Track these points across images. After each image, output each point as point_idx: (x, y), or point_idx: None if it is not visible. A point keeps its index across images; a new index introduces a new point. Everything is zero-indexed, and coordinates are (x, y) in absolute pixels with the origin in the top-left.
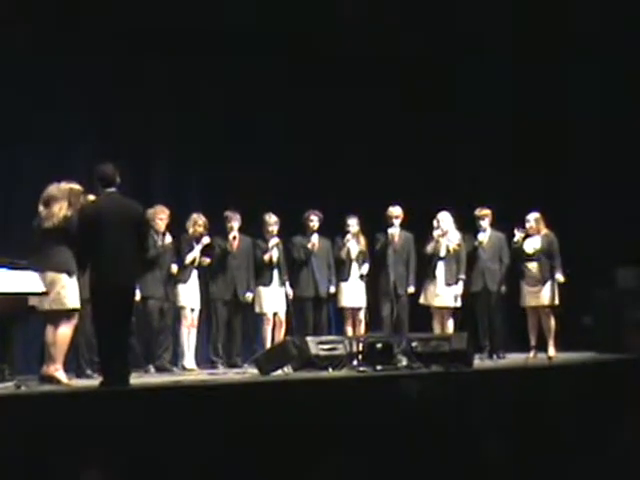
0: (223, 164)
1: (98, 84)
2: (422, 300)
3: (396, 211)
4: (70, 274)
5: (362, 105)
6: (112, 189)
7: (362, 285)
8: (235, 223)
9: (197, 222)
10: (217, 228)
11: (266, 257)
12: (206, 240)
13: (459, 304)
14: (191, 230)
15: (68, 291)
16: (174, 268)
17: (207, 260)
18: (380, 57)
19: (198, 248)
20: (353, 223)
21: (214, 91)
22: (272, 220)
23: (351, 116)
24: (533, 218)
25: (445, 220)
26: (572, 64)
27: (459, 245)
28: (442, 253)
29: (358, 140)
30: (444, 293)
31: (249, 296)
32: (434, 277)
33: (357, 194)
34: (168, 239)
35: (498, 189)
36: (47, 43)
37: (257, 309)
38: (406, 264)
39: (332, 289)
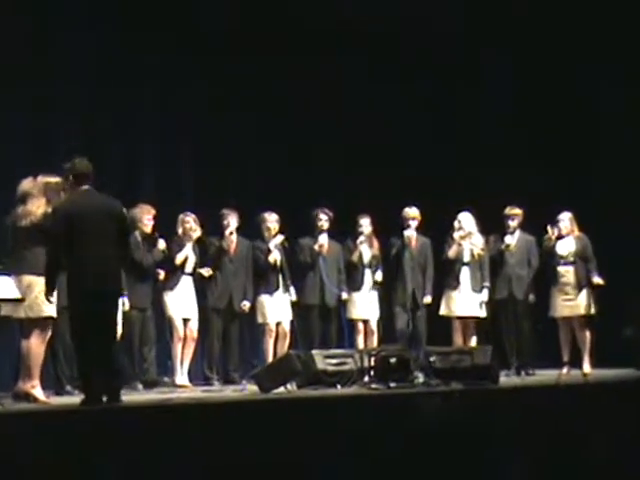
0: (217, 160)
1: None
2: (444, 311)
3: (413, 212)
4: None
5: (375, 97)
6: (88, 186)
7: (375, 294)
8: (232, 220)
9: (185, 220)
10: (211, 231)
11: (270, 258)
12: (196, 234)
13: (484, 314)
14: (180, 230)
15: (45, 297)
16: (161, 274)
17: (208, 271)
18: (394, 51)
19: (188, 247)
20: (366, 223)
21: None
22: (272, 218)
23: (360, 107)
24: (567, 217)
25: (467, 221)
26: (600, 64)
27: (483, 250)
28: (466, 258)
29: (368, 134)
30: (470, 302)
31: (246, 305)
32: (457, 284)
33: (368, 193)
34: (162, 244)
35: (524, 188)
36: (30, 36)
37: (259, 319)
38: (423, 271)
39: (344, 295)
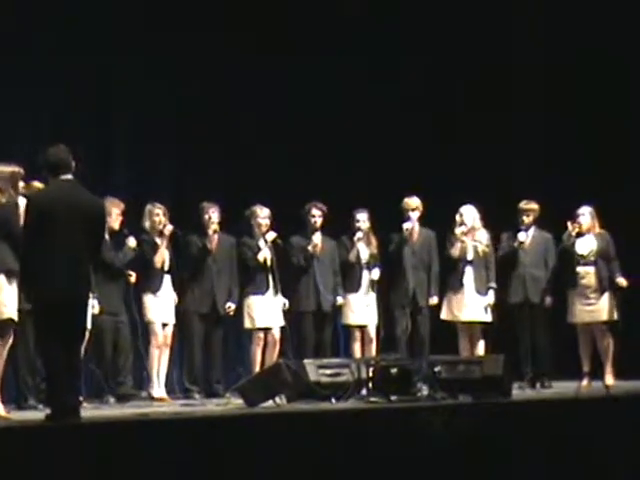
0: (199, 148)
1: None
2: (445, 315)
3: (414, 202)
4: (9, 276)
5: (373, 87)
6: (67, 176)
7: (373, 297)
8: (214, 215)
9: (153, 213)
10: (189, 226)
11: (260, 256)
12: (169, 229)
13: (489, 318)
14: (148, 224)
15: (6, 297)
16: (132, 275)
17: (170, 228)
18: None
19: (163, 244)
20: (363, 218)
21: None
22: (263, 213)
23: (357, 93)
24: (588, 212)
25: (469, 215)
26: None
27: (488, 246)
28: (470, 256)
29: (365, 123)
30: (474, 304)
31: (231, 307)
32: (461, 285)
33: (366, 185)
34: (132, 242)
35: (539, 179)
36: None
37: (247, 323)
38: (427, 268)
39: (339, 300)
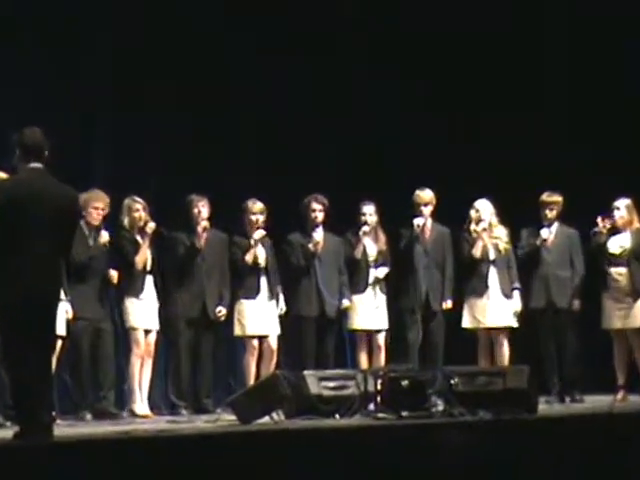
0: (187, 137)
1: None
2: (468, 323)
3: (426, 196)
4: None
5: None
6: (38, 164)
7: (383, 299)
8: (204, 210)
9: (132, 208)
10: (176, 222)
11: (248, 256)
12: (151, 226)
13: (515, 324)
14: (127, 221)
15: None
16: (114, 276)
17: (152, 226)
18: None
19: (145, 243)
20: (370, 211)
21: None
22: (257, 208)
23: (363, 76)
24: (624, 205)
25: (486, 210)
26: None
27: (508, 243)
28: (492, 255)
29: (370, 107)
30: (501, 309)
31: (221, 311)
32: (486, 289)
33: (373, 176)
34: (104, 236)
35: (560, 168)
36: None
37: (237, 331)
38: (441, 269)
39: (345, 302)
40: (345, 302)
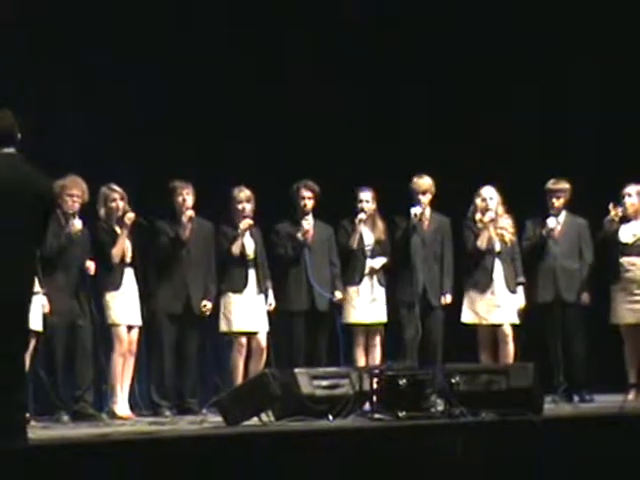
0: (166, 118)
1: None
2: (468, 318)
3: (424, 183)
4: None
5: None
6: (10, 149)
7: (381, 292)
8: (189, 197)
9: (109, 197)
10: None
11: (234, 247)
12: (130, 217)
13: (518, 320)
14: (103, 211)
15: None
16: (89, 267)
17: (131, 216)
18: None
19: (124, 234)
20: (367, 198)
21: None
22: (244, 195)
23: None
24: (635, 192)
25: (493, 199)
26: None
27: (514, 234)
28: (497, 247)
29: (366, 86)
30: (506, 304)
31: (207, 306)
32: (490, 282)
33: (370, 160)
34: (77, 224)
35: (568, 152)
36: None
37: (222, 326)
38: (440, 261)
39: (338, 295)
40: (337, 294)
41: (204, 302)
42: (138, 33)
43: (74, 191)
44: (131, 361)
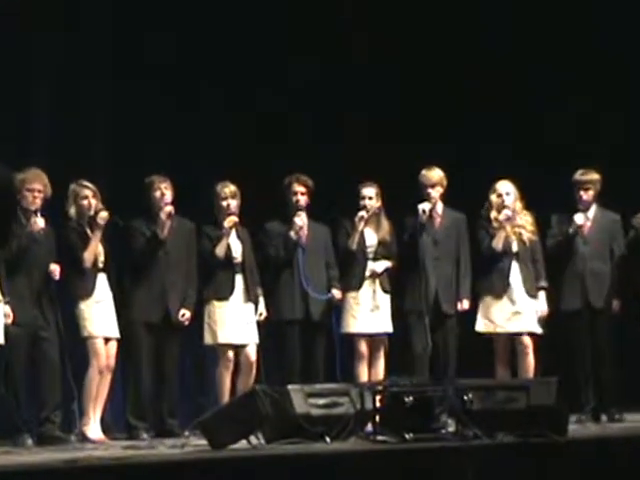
0: (140, 107)
1: None
2: (483, 326)
3: (434, 175)
4: None
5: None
6: None
7: (385, 299)
8: (168, 193)
9: (80, 194)
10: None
11: (219, 249)
12: (103, 216)
13: (540, 329)
14: (73, 210)
15: None
16: (56, 271)
17: (104, 215)
18: None
19: (96, 236)
20: (371, 194)
21: None
22: (228, 191)
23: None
24: None
25: (510, 194)
26: None
27: (534, 233)
28: (515, 247)
29: (368, 69)
30: (526, 311)
31: (185, 315)
32: (507, 287)
33: (374, 153)
34: (40, 222)
35: (595, 140)
36: None
37: (207, 338)
38: (454, 263)
39: (336, 294)
40: (335, 293)
41: (182, 310)
42: None
43: (35, 185)
44: (108, 378)
